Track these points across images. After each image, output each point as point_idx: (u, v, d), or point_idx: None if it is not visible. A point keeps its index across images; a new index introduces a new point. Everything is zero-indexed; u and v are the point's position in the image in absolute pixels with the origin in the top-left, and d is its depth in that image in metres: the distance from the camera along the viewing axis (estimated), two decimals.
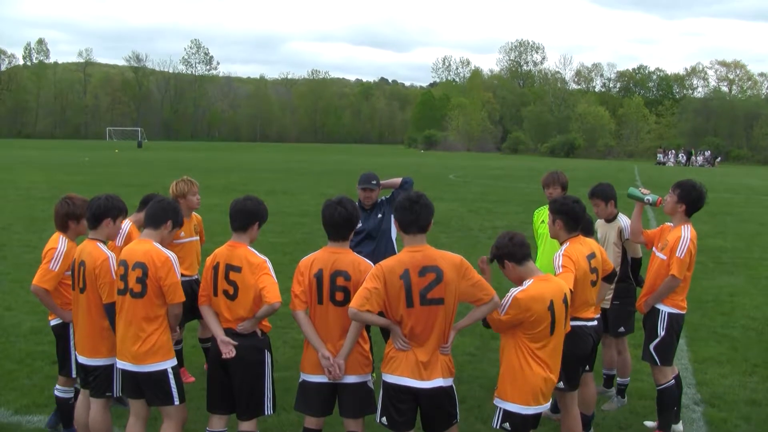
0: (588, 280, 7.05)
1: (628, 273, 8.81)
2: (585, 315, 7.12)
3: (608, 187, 8.92)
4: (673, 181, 8.17)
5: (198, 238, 9.60)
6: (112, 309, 6.67)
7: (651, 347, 7.87)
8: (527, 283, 6.17)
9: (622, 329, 8.87)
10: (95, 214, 6.96)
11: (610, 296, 8.57)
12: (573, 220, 7.14)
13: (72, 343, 7.40)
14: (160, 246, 6.60)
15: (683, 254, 7.67)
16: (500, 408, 6.25)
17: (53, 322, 7.62)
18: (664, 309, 7.82)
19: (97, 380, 6.91)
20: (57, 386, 7.81)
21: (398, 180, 9.69)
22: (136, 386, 6.61)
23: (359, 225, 9.05)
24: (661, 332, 7.82)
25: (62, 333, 7.54)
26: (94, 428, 6.98)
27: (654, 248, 8.07)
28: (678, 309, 7.85)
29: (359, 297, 5.92)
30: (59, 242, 7.42)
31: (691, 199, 7.88)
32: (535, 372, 6.11)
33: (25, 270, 7.51)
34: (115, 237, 7.28)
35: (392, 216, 9.33)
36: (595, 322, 7.26)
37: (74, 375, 7.46)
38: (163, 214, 6.71)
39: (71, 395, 7.70)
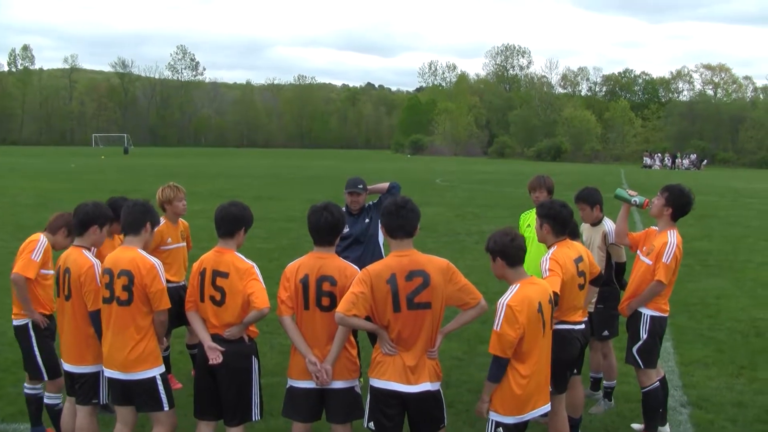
0: (575, 284, 7.07)
1: (612, 277, 8.83)
2: (572, 318, 7.14)
3: (594, 192, 8.93)
4: (659, 185, 8.20)
5: (185, 244, 9.59)
6: (97, 316, 6.65)
7: (634, 350, 7.90)
8: (514, 288, 6.17)
9: (606, 333, 8.89)
10: (82, 221, 6.96)
11: (594, 300, 8.58)
12: (560, 224, 7.16)
13: (35, 345, 7.51)
14: (145, 253, 6.60)
15: (669, 260, 7.70)
16: (492, 419, 6.26)
17: (15, 323, 7.67)
18: (647, 312, 7.86)
19: (83, 387, 6.89)
20: (25, 384, 7.93)
21: (385, 185, 9.69)
22: (125, 394, 6.60)
23: (346, 230, 9.06)
24: (644, 335, 7.85)
25: (24, 336, 7.62)
26: None
27: (638, 251, 8.10)
28: (660, 312, 7.88)
29: (346, 301, 5.92)
30: (40, 237, 7.59)
31: (679, 204, 7.91)
32: (523, 384, 6.11)
33: (9, 278, 7.53)
34: (100, 245, 7.27)
35: (379, 221, 9.38)
36: (582, 326, 7.28)
37: (46, 378, 7.49)
38: (141, 218, 6.69)
39: (40, 391, 7.75)
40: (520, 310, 6.02)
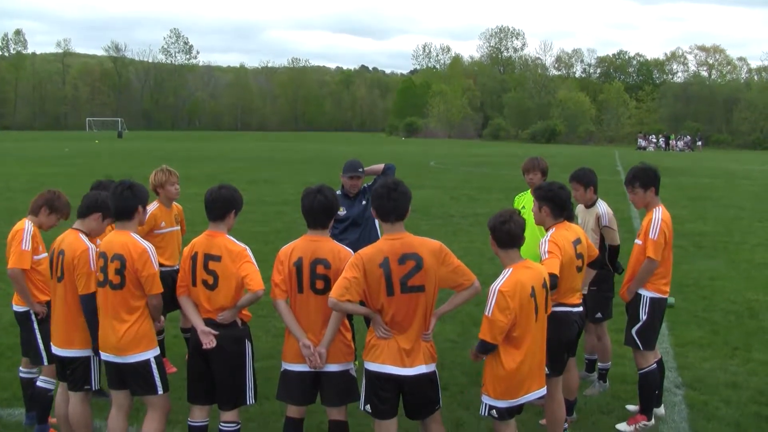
0: (574, 266, 7.06)
1: (606, 260, 8.81)
2: (570, 301, 7.13)
3: (589, 173, 8.90)
4: None
5: (179, 227, 9.56)
6: (87, 300, 6.64)
7: (633, 332, 7.91)
8: (507, 273, 6.17)
9: (599, 315, 8.88)
10: (89, 207, 6.98)
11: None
12: (559, 206, 7.15)
13: (36, 331, 7.50)
14: (137, 237, 6.57)
15: (656, 236, 7.70)
16: (485, 402, 6.28)
17: (16, 308, 7.66)
18: (646, 294, 7.86)
19: (74, 374, 6.87)
20: (20, 368, 7.98)
21: (381, 166, 9.68)
22: (120, 377, 6.58)
23: (344, 212, 9.09)
24: (643, 317, 7.85)
25: (26, 322, 7.61)
26: (73, 421, 6.95)
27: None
28: (660, 293, 7.88)
29: (339, 287, 5.91)
30: (25, 224, 7.55)
31: (650, 179, 7.95)
32: (516, 367, 6.12)
33: (4, 263, 7.51)
34: (98, 234, 7.21)
35: (371, 204, 9.36)
36: (580, 309, 7.27)
37: (45, 362, 7.47)
38: (132, 204, 6.62)
39: (36, 376, 7.73)
40: (512, 296, 6.02)
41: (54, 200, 7.58)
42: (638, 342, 7.90)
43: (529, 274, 6.21)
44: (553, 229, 7.11)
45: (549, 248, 6.89)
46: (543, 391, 6.43)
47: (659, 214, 7.82)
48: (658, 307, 7.91)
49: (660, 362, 8.17)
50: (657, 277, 7.86)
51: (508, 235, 6.23)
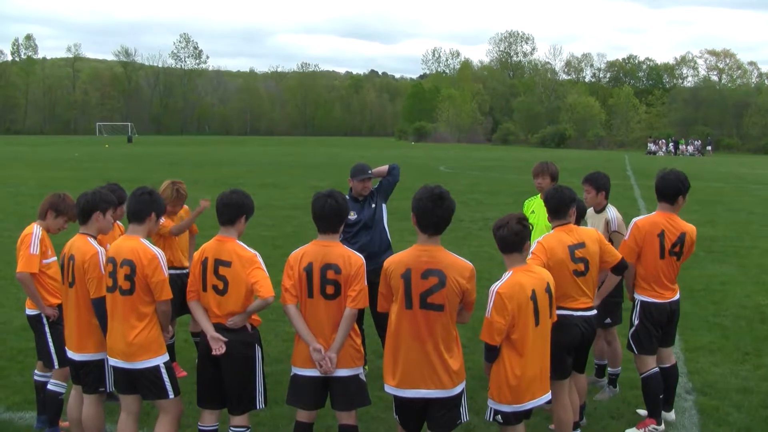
0: (567, 270, 6.98)
1: None
2: (570, 305, 7.05)
3: (603, 177, 8.88)
4: None
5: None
6: (100, 304, 6.65)
7: (629, 336, 7.95)
8: (506, 276, 6.17)
9: (608, 320, 8.84)
10: (84, 209, 6.96)
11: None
12: (550, 208, 7.18)
13: (48, 334, 7.55)
14: (147, 243, 6.58)
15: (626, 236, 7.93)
16: (491, 407, 6.28)
17: (29, 312, 7.72)
18: (638, 297, 7.94)
19: (89, 376, 6.90)
20: (35, 371, 7.99)
21: (385, 168, 9.69)
22: (129, 382, 6.59)
23: (355, 216, 9.09)
24: (635, 321, 7.90)
25: (37, 325, 7.66)
26: (87, 424, 6.96)
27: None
28: (651, 297, 7.85)
29: (385, 302, 6.09)
30: (33, 228, 7.62)
31: (666, 195, 7.96)
32: (519, 373, 6.11)
33: (14, 267, 7.53)
34: (106, 231, 7.23)
35: (384, 204, 9.36)
36: (584, 313, 7.15)
37: (56, 366, 7.50)
38: (147, 208, 6.64)
39: (50, 380, 7.73)
40: (510, 297, 6.01)
41: (59, 203, 7.64)
42: (633, 346, 7.93)
43: (530, 277, 6.20)
44: (551, 231, 7.13)
45: (534, 250, 6.88)
46: (548, 396, 6.42)
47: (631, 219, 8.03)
48: (649, 311, 7.87)
49: (672, 368, 8.15)
50: (648, 281, 7.85)
51: (502, 240, 6.25)
